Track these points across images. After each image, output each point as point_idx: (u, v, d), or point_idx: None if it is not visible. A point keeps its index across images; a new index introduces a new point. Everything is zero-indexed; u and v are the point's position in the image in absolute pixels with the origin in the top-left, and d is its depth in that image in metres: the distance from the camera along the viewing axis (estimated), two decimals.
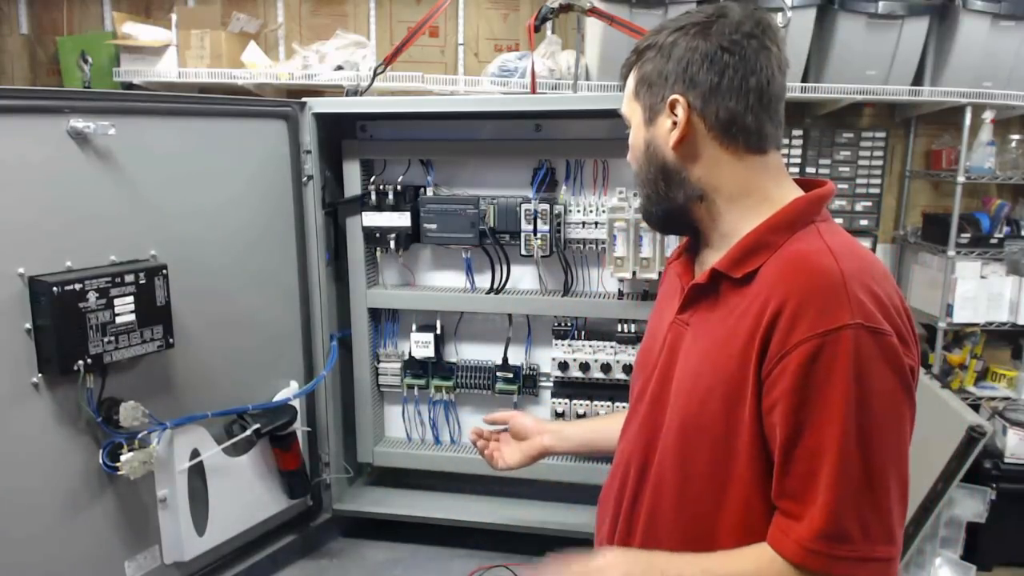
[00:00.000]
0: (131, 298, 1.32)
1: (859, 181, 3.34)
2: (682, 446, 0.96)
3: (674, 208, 1.02)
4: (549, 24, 2.35)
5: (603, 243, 1.72)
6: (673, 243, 1.55)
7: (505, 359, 1.86)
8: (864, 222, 3.35)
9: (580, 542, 1.21)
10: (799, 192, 0.99)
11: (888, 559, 0.85)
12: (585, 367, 1.75)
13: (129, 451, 1.33)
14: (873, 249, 3.30)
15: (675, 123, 0.96)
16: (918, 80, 3.09)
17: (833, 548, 0.83)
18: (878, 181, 3.34)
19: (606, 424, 1.35)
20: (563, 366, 1.77)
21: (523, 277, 1.84)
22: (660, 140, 0.99)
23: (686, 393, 0.96)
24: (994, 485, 2.85)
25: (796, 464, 0.86)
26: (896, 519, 0.86)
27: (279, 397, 1.69)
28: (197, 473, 1.51)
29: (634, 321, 1.74)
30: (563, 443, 1.39)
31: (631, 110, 1.03)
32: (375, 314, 1.91)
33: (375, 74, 1.92)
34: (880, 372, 0.84)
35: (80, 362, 1.25)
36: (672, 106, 0.96)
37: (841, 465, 0.83)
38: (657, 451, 1.01)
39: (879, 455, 0.84)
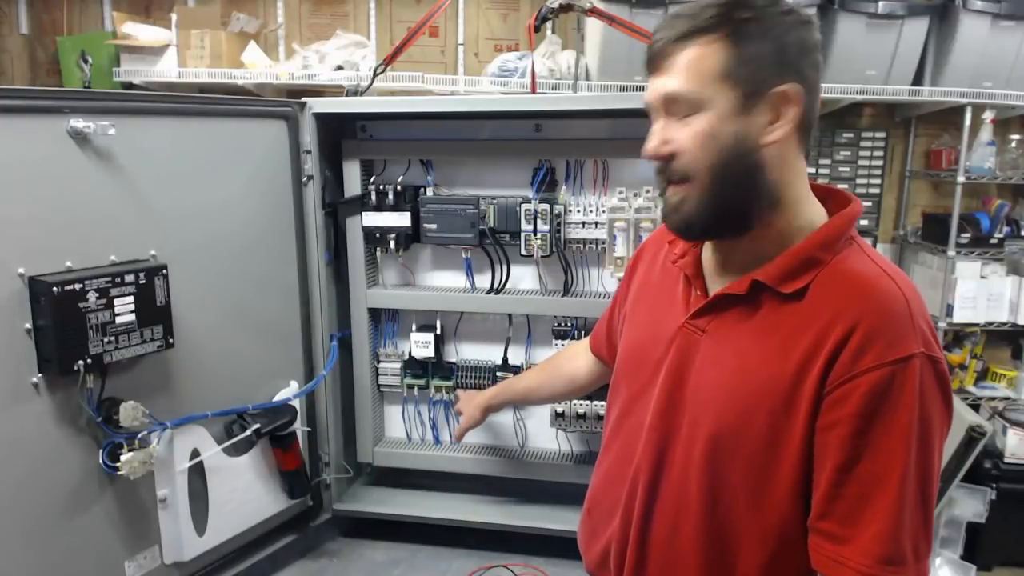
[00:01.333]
0: (131, 298, 1.32)
1: (859, 181, 3.34)
2: (712, 460, 0.94)
3: (739, 212, 0.93)
4: (549, 24, 2.35)
5: (603, 243, 1.72)
6: None
7: (505, 359, 1.86)
8: (864, 222, 3.35)
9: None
10: (816, 201, 0.97)
11: (928, 572, 0.87)
12: None
13: (129, 451, 1.33)
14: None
15: (778, 117, 0.88)
16: (918, 80, 3.09)
17: (893, 572, 0.84)
18: (878, 181, 3.34)
19: (529, 389, 1.59)
20: None
21: (523, 277, 1.84)
22: (753, 133, 0.88)
23: (719, 407, 0.94)
24: (994, 485, 2.86)
25: (850, 487, 0.85)
26: (932, 531, 0.89)
27: (279, 397, 1.69)
28: (197, 473, 1.51)
29: None
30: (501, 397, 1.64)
31: (710, 93, 0.87)
32: (375, 314, 1.91)
33: (375, 74, 1.92)
34: (936, 399, 0.86)
35: (80, 362, 1.25)
36: (782, 98, 0.87)
37: (902, 491, 0.84)
38: (673, 465, 0.99)
39: (932, 479, 0.86)
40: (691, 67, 0.88)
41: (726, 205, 0.92)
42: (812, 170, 3.30)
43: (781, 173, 0.91)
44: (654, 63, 0.92)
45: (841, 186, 3.22)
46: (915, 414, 0.84)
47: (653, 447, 1.01)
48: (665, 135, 0.92)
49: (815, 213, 0.96)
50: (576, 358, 1.48)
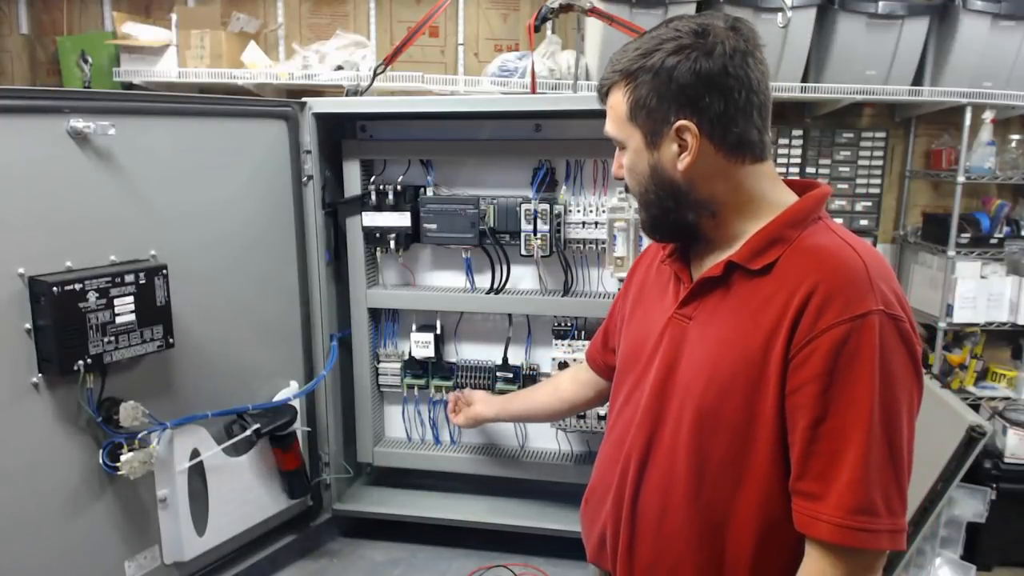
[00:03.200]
0: (131, 298, 1.32)
1: (859, 181, 3.34)
2: (697, 435, 0.98)
3: (684, 224, 1.03)
4: (549, 24, 2.34)
5: (603, 243, 1.72)
6: None
7: (505, 359, 1.86)
8: (864, 222, 3.35)
9: (578, 542, 1.22)
10: (791, 192, 1.03)
11: (905, 529, 0.90)
12: None
13: (129, 451, 1.33)
14: None
15: (682, 147, 0.97)
16: (918, 80, 3.09)
17: (865, 522, 0.87)
18: (878, 181, 3.34)
19: (533, 401, 1.60)
20: (563, 366, 1.76)
21: (523, 277, 1.84)
22: (666, 163, 0.99)
23: (703, 383, 0.98)
24: (994, 485, 2.86)
25: (821, 443, 0.89)
26: (906, 492, 0.91)
27: (279, 397, 1.69)
28: (197, 473, 1.51)
29: None
30: (493, 412, 1.67)
31: (626, 133, 1.01)
32: (375, 314, 1.91)
33: (375, 74, 1.92)
34: (899, 354, 0.90)
35: (80, 362, 1.25)
36: (680, 132, 0.96)
37: (868, 442, 0.87)
38: (662, 444, 1.02)
39: (898, 433, 0.89)
40: (611, 111, 1.03)
41: (664, 220, 1.05)
42: (812, 170, 3.30)
43: (714, 188, 1.00)
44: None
45: (841, 186, 3.26)
46: (875, 367, 0.87)
47: (644, 429, 1.05)
48: (618, 161, 1.07)
49: (784, 201, 1.01)
50: (577, 375, 1.51)
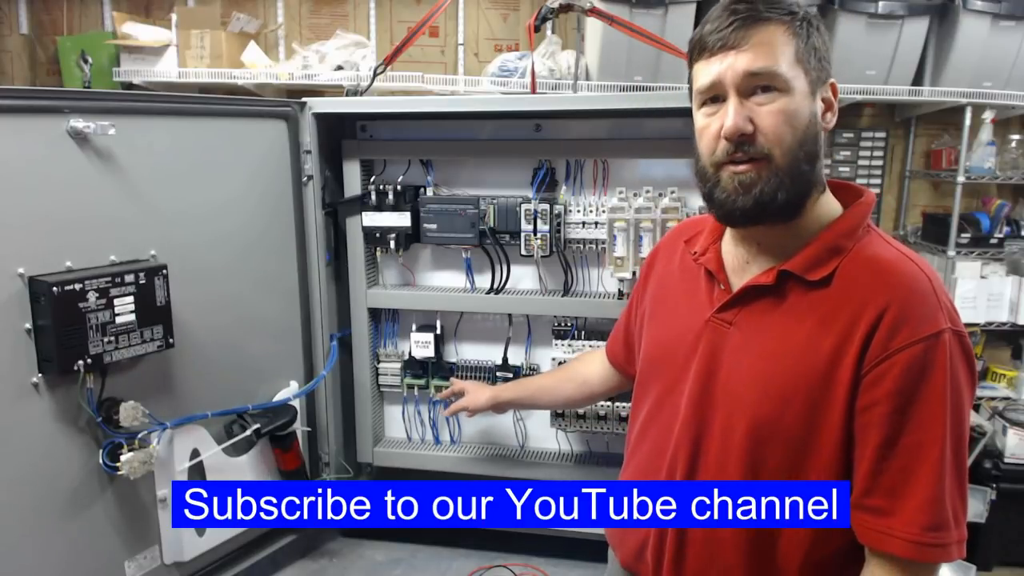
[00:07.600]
0: (131, 298, 1.32)
1: (859, 181, 3.34)
2: (752, 446, 0.97)
3: (800, 195, 0.96)
4: (549, 24, 2.34)
5: (603, 243, 1.72)
6: None
7: (505, 359, 1.86)
8: None
9: (580, 542, 1.22)
10: (831, 195, 1.03)
11: (966, 537, 0.91)
12: None
13: (129, 451, 1.33)
14: None
15: (828, 107, 0.97)
16: (918, 80, 3.09)
17: (937, 538, 0.89)
18: (878, 181, 3.34)
19: (541, 387, 1.57)
20: None
21: (523, 277, 1.84)
22: (819, 117, 0.96)
23: (757, 394, 0.96)
24: (994, 485, 2.86)
25: (895, 460, 0.90)
26: (967, 500, 0.94)
27: (279, 397, 1.69)
28: (197, 473, 1.51)
29: None
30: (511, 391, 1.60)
31: (793, 74, 0.92)
32: (375, 314, 1.91)
33: (375, 74, 1.92)
34: (964, 371, 0.91)
35: (80, 362, 1.25)
36: (832, 89, 0.97)
37: (942, 460, 0.89)
38: (710, 453, 1.01)
39: (964, 446, 0.92)
40: (776, 47, 0.92)
41: (795, 186, 0.94)
42: None
43: (822, 162, 0.98)
44: (727, 41, 0.93)
45: None
46: (948, 385, 0.88)
47: (688, 439, 1.03)
48: (745, 112, 0.92)
49: (832, 204, 1.01)
50: (591, 363, 1.49)
